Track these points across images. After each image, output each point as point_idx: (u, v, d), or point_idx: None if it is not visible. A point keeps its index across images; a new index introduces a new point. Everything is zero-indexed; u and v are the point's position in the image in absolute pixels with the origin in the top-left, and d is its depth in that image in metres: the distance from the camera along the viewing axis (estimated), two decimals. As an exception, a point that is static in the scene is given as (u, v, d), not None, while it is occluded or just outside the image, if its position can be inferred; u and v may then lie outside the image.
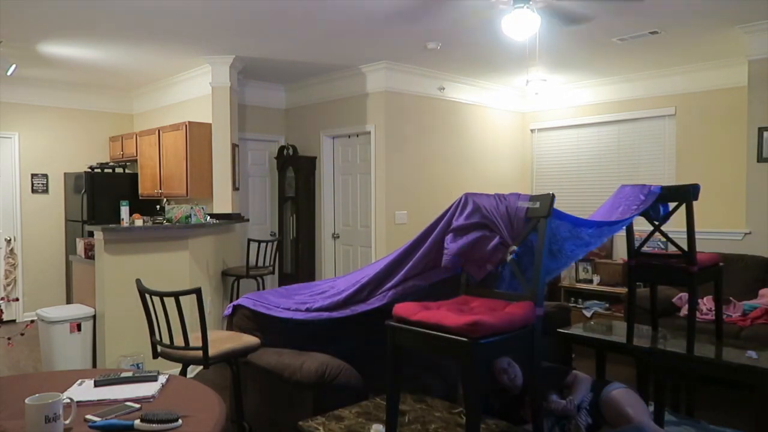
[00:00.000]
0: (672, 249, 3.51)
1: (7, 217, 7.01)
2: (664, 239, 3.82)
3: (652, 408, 3.28)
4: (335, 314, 3.21)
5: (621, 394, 2.89)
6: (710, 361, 3.10)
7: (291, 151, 7.12)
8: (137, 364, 4.46)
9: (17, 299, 6.84)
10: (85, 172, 6.83)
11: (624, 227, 3.29)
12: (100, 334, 4.49)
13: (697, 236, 3.28)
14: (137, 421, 1.72)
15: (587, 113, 7.18)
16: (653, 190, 3.07)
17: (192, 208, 5.24)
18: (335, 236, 7.06)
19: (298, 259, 7.04)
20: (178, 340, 2.80)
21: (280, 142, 7.41)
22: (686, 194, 3.28)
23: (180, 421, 1.74)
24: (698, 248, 3.28)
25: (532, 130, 7.82)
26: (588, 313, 6.28)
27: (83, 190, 6.72)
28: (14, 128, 6.99)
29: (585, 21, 4.65)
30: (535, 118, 7.78)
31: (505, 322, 2.20)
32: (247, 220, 6.62)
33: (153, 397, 1.97)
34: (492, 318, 2.17)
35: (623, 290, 5.52)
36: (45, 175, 7.23)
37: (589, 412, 2.91)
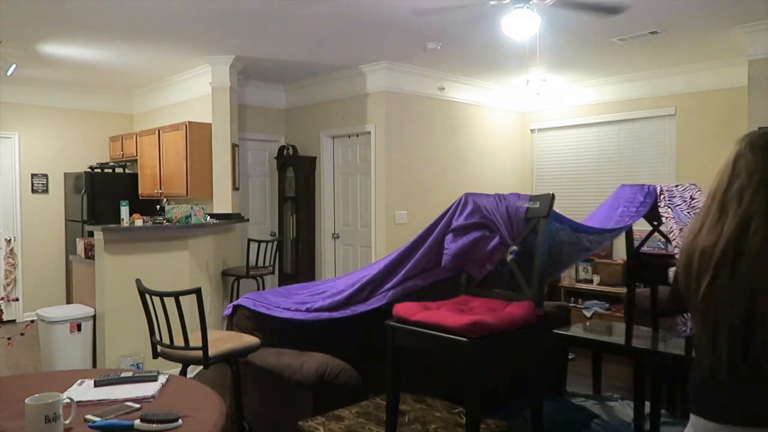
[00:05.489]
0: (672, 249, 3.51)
1: (7, 217, 7.01)
2: (663, 239, 3.82)
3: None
4: (335, 314, 3.21)
5: None
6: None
7: (291, 151, 7.12)
8: (137, 364, 4.46)
9: (17, 299, 6.84)
10: (85, 172, 6.83)
11: (624, 232, 3.29)
12: (100, 334, 4.49)
13: (697, 236, 3.27)
14: (137, 421, 1.72)
15: (587, 113, 7.18)
16: (651, 191, 3.07)
17: (192, 208, 5.24)
18: (335, 236, 7.06)
19: (298, 259, 7.04)
20: (178, 340, 2.80)
21: (280, 142, 7.41)
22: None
23: (180, 421, 1.74)
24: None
25: (532, 130, 7.81)
26: (588, 313, 6.28)
27: (83, 190, 6.72)
28: (14, 128, 6.99)
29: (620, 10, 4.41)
30: (535, 118, 7.78)
31: (505, 322, 2.20)
32: (247, 220, 6.61)
33: (153, 397, 1.97)
34: (492, 318, 2.17)
35: (623, 290, 5.52)
36: (45, 175, 7.22)
37: None
